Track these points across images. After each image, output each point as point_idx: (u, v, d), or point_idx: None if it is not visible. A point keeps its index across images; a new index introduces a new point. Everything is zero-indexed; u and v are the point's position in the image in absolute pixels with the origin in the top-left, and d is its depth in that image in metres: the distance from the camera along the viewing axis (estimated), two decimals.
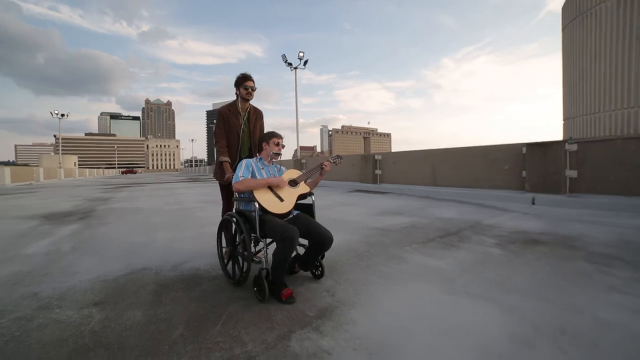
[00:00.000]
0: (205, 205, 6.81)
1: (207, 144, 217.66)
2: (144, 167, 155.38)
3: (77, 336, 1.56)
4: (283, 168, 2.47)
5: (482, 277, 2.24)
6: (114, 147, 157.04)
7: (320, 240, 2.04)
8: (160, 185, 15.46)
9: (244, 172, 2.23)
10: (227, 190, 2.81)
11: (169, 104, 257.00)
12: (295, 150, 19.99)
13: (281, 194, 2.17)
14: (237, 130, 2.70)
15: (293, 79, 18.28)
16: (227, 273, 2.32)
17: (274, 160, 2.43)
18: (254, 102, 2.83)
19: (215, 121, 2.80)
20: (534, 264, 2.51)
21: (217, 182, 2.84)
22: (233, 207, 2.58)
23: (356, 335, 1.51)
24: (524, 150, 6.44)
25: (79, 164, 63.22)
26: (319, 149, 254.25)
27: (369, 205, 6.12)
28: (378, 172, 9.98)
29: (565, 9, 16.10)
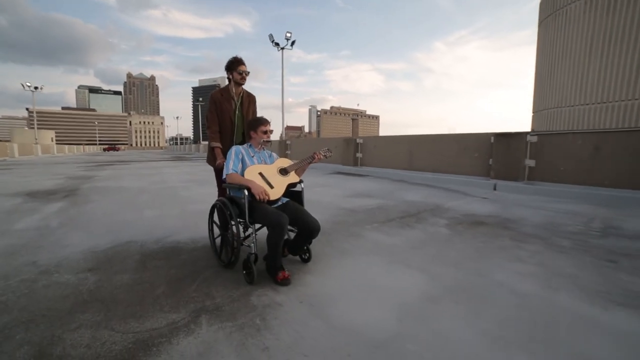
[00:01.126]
0: (189, 184, 7.04)
1: (193, 121, 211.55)
2: (126, 144, 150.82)
3: (77, 293, 1.89)
4: (274, 154, 2.53)
5: (423, 252, 2.68)
6: (94, 122, 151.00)
7: (308, 229, 2.13)
8: (144, 164, 15.41)
9: (234, 162, 2.27)
10: (220, 175, 2.77)
11: (152, 79, 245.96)
12: (281, 134, 20.09)
13: (271, 180, 2.23)
14: (231, 115, 2.68)
15: (284, 53, 18.08)
16: (217, 257, 2.41)
17: (264, 146, 2.47)
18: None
19: (208, 106, 2.76)
20: (469, 241, 2.97)
21: (212, 167, 2.85)
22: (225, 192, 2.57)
23: (305, 293, 1.91)
24: (492, 139, 6.92)
25: (56, 140, 60.76)
26: (307, 129, 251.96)
27: (344, 187, 6.52)
28: (359, 155, 10.37)
29: (542, 4, 16.45)
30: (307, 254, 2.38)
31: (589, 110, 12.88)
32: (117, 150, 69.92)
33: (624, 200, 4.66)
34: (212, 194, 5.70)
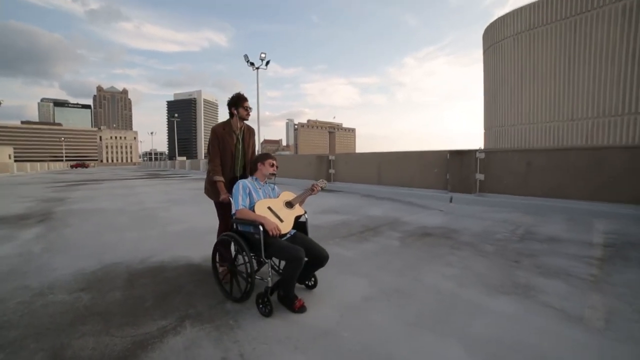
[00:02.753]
0: (166, 205, 7.27)
1: (168, 136, 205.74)
2: (96, 160, 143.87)
3: (74, 310, 2.23)
4: (276, 187, 2.63)
5: (372, 262, 3.20)
6: (60, 138, 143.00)
7: (318, 258, 2.24)
8: (118, 183, 15.18)
9: (242, 197, 2.33)
10: (222, 208, 2.80)
11: (124, 92, 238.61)
12: (258, 149, 20.50)
13: (280, 214, 2.32)
14: (232, 149, 2.75)
15: (259, 70, 18.67)
16: (225, 291, 2.42)
17: (267, 180, 2.58)
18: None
19: (210, 139, 2.81)
20: (414, 251, 3.54)
21: (211, 200, 2.88)
22: (229, 226, 2.60)
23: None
24: (448, 156, 7.75)
25: (14, 157, 56.98)
26: (284, 143, 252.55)
27: (315, 203, 7.03)
28: (332, 171, 10.98)
29: (484, 36, 19.91)
30: (313, 280, 2.51)
31: (524, 129, 15.38)
32: (86, 167, 66.66)
33: (548, 208, 5.51)
34: (190, 214, 6.02)
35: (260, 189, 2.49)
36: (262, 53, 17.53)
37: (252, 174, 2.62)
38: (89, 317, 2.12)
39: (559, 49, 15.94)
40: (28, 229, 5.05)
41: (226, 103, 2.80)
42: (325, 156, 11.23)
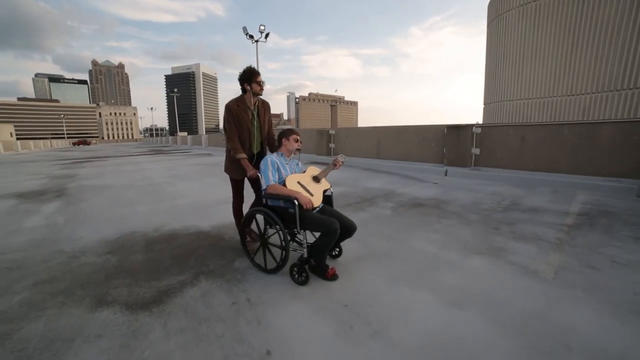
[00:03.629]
0: (172, 180, 7.59)
1: (168, 111, 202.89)
2: (97, 137, 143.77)
3: (106, 269, 2.60)
4: (300, 163, 2.69)
5: (366, 229, 3.51)
6: (60, 115, 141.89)
7: (347, 229, 2.33)
8: (123, 160, 15.49)
9: (272, 174, 2.38)
10: (238, 185, 2.89)
11: (120, 66, 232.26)
12: None
13: (309, 188, 2.40)
14: (248, 125, 2.71)
15: (258, 36, 18.20)
16: (256, 264, 2.52)
17: (292, 155, 2.61)
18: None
19: (225, 117, 2.75)
20: (405, 220, 3.86)
21: (228, 175, 2.92)
22: (262, 201, 2.64)
23: None
24: (445, 131, 7.89)
25: (16, 135, 57.09)
26: (285, 117, 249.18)
27: None
28: (332, 145, 11.17)
29: (489, 6, 19.19)
30: (338, 250, 2.65)
31: (522, 105, 15.38)
32: (88, 145, 66.93)
33: (538, 181, 5.76)
34: (195, 188, 6.35)
35: (287, 164, 2.54)
36: (261, 25, 17.02)
37: (277, 150, 2.63)
38: (119, 274, 2.49)
39: (564, 22, 15.77)
40: (48, 203, 5.41)
41: (237, 78, 2.71)
42: (326, 130, 11.36)
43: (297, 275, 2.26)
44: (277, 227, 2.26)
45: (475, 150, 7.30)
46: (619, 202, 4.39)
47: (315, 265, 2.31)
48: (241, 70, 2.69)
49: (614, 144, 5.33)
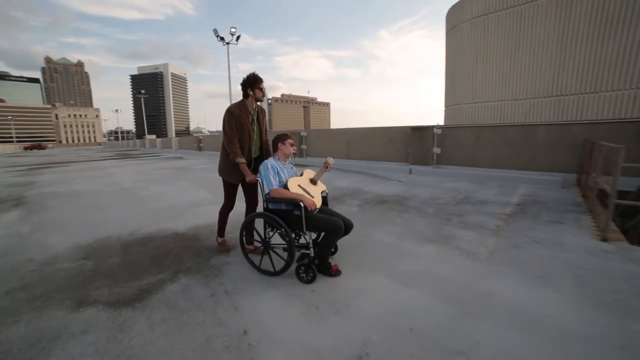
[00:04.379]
0: (144, 184, 7.48)
1: (134, 113, 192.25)
2: (54, 141, 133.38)
3: (83, 272, 2.69)
4: (293, 166, 2.76)
5: None
6: (7, 116, 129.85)
7: (346, 227, 2.42)
8: (87, 165, 14.74)
9: (274, 178, 2.44)
10: (232, 188, 2.94)
11: (80, 64, 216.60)
12: None
13: (309, 191, 2.50)
14: (249, 130, 2.76)
15: (227, 36, 18.03)
16: (257, 268, 2.57)
17: (288, 159, 2.69)
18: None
19: (227, 120, 2.74)
20: (369, 215, 4.22)
21: (221, 178, 2.94)
22: (256, 206, 2.92)
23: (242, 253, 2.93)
24: (410, 132, 8.45)
25: None
26: None
27: None
28: (304, 146, 11.46)
29: (447, 17, 21.98)
30: (334, 248, 2.74)
31: (476, 108, 17.71)
32: (44, 149, 62.03)
33: (489, 177, 6.42)
34: (169, 192, 6.36)
35: (285, 168, 2.61)
36: (232, 28, 16.93)
37: (272, 154, 2.69)
38: (97, 277, 2.60)
39: (506, 35, 18.36)
40: (6, 212, 5.18)
41: (240, 83, 2.77)
42: (298, 132, 11.62)
43: (304, 275, 2.35)
44: (283, 229, 2.33)
45: (437, 150, 7.90)
46: (549, 193, 5.08)
47: (319, 263, 2.42)
48: (245, 76, 2.76)
49: (547, 143, 6.10)
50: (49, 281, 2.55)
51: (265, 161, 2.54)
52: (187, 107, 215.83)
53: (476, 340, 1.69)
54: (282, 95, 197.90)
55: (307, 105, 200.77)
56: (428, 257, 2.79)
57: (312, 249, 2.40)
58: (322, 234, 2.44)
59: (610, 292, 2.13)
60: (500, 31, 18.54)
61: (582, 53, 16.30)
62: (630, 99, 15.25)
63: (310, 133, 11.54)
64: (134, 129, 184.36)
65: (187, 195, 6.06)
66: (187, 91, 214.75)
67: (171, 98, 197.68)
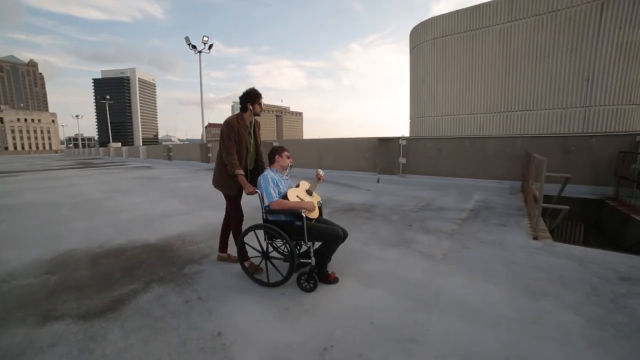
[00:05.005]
0: (112, 195, 7.20)
1: (97, 120, 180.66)
2: None
3: (47, 287, 2.63)
4: (288, 178, 2.82)
5: None
6: None
7: (343, 235, 2.53)
8: (44, 174, 13.74)
9: (273, 190, 2.47)
10: (236, 199, 2.94)
11: (33, 64, 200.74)
12: (202, 134, 19.96)
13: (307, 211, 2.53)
14: (247, 142, 2.83)
15: (199, 44, 17.78)
16: (258, 280, 2.57)
17: (285, 171, 2.76)
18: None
19: (226, 132, 2.76)
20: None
21: (219, 190, 2.95)
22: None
23: (217, 264, 3.03)
24: (377, 142, 8.91)
25: None
26: None
27: None
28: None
29: (410, 36, 25.10)
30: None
31: (438, 120, 20.43)
32: None
33: (449, 185, 6.97)
34: (138, 203, 6.22)
35: (283, 179, 2.66)
36: (204, 36, 16.80)
37: (269, 166, 2.74)
38: (64, 291, 2.57)
39: (462, 56, 21.44)
40: None
41: (240, 96, 2.83)
42: (270, 142, 11.74)
43: (305, 283, 2.42)
44: (284, 240, 2.39)
45: (402, 160, 8.41)
46: (498, 198, 5.66)
47: (317, 272, 2.49)
48: (245, 90, 2.83)
49: (497, 154, 6.80)
50: (7, 299, 2.45)
51: (265, 173, 2.57)
52: (156, 114, 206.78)
53: (426, 329, 1.95)
54: None
55: (280, 114, 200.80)
56: (390, 260, 3.07)
57: (313, 258, 2.45)
58: (318, 243, 2.51)
59: (533, 281, 2.53)
60: (457, 52, 21.42)
61: (521, 75, 19.31)
62: (559, 117, 18.40)
63: (282, 143, 11.71)
64: (97, 136, 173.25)
65: (157, 205, 5.97)
66: (155, 97, 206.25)
67: (138, 104, 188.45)
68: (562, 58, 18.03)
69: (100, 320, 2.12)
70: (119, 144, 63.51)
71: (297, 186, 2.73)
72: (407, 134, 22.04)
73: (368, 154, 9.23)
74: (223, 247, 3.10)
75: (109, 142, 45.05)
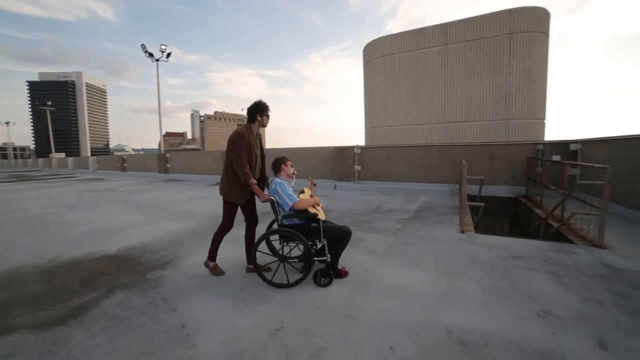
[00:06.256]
0: (58, 210, 6.80)
1: (34, 127, 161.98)
2: None
3: None
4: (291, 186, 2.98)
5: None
6: None
7: None
8: None
9: (291, 193, 2.72)
10: (234, 210, 3.02)
11: None
12: (159, 143, 19.21)
13: (317, 206, 2.89)
14: (255, 152, 2.93)
15: (156, 52, 17.22)
16: (273, 283, 2.70)
17: (290, 179, 2.99)
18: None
19: (238, 143, 2.79)
20: None
21: (224, 199, 3.00)
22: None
23: (181, 267, 3.21)
24: (334, 151, 9.47)
25: None
26: (189, 136, 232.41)
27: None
28: None
29: (364, 52, 28.47)
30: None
31: (389, 130, 23.21)
32: None
33: (398, 190, 7.69)
34: (91, 216, 6.04)
35: (291, 186, 2.88)
36: (162, 45, 16.35)
37: (276, 175, 2.93)
38: (14, 306, 2.52)
39: (409, 72, 24.85)
40: None
41: (248, 108, 2.94)
42: None
43: (321, 279, 2.65)
44: (302, 241, 2.58)
45: (358, 167, 9.04)
46: (440, 200, 6.43)
47: (332, 267, 2.74)
48: (254, 102, 2.95)
49: (439, 160, 7.69)
50: None
51: (277, 180, 2.76)
52: (107, 122, 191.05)
53: (362, 308, 2.36)
54: (215, 112, 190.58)
55: (241, 123, 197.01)
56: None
57: (328, 255, 2.68)
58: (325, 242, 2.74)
59: (453, 265, 3.10)
60: (404, 68, 24.56)
61: (457, 91, 23.07)
62: (487, 128, 22.27)
63: None
64: (33, 146, 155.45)
65: (114, 218, 5.83)
66: (106, 104, 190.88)
67: (86, 111, 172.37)
68: (487, 79, 22.14)
69: (62, 327, 2.21)
70: (63, 155, 57.77)
71: (302, 192, 3.01)
72: (362, 143, 24.71)
73: (326, 161, 9.75)
74: (213, 255, 3.09)
75: (51, 152, 40.84)
